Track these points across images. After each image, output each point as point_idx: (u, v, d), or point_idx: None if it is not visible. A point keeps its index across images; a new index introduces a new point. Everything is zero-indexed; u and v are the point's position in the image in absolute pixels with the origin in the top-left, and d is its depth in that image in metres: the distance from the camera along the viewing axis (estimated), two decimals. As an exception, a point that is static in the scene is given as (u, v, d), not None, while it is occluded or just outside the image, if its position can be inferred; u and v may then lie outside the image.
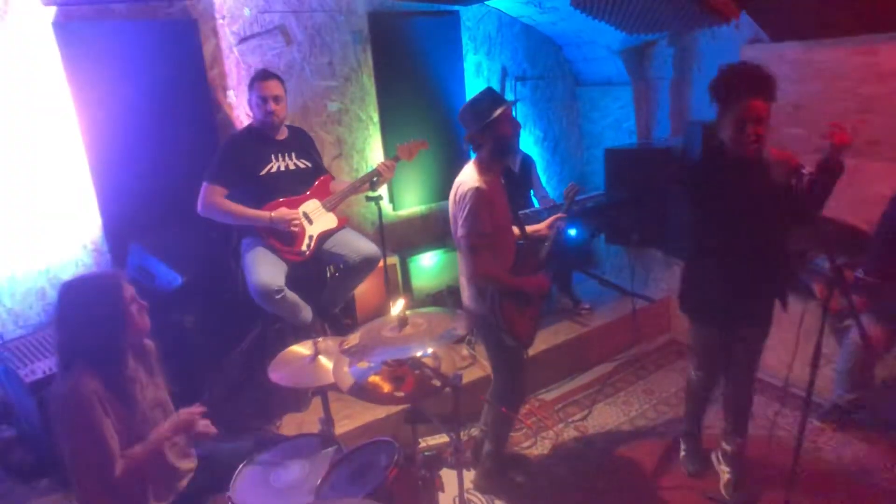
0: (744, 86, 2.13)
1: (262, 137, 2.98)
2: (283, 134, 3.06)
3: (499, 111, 2.28)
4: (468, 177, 2.34)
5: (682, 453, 2.86)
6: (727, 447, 2.70)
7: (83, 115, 2.90)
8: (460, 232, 2.31)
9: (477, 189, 2.26)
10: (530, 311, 2.52)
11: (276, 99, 2.91)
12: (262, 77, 2.91)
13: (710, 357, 2.60)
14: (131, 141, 2.98)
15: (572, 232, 3.86)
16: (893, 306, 2.72)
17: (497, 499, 2.69)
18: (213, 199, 2.83)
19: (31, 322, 2.94)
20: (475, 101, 2.35)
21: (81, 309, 1.82)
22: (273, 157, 2.98)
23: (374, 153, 3.99)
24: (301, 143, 3.14)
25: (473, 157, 2.42)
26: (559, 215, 2.68)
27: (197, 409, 2.03)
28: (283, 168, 3.01)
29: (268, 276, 2.76)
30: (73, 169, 2.96)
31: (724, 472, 2.69)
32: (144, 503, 1.91)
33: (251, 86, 2.92)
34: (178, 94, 3.06)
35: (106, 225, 3.06)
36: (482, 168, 2.37)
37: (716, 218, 2.30)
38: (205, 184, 2.85)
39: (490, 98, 2.34)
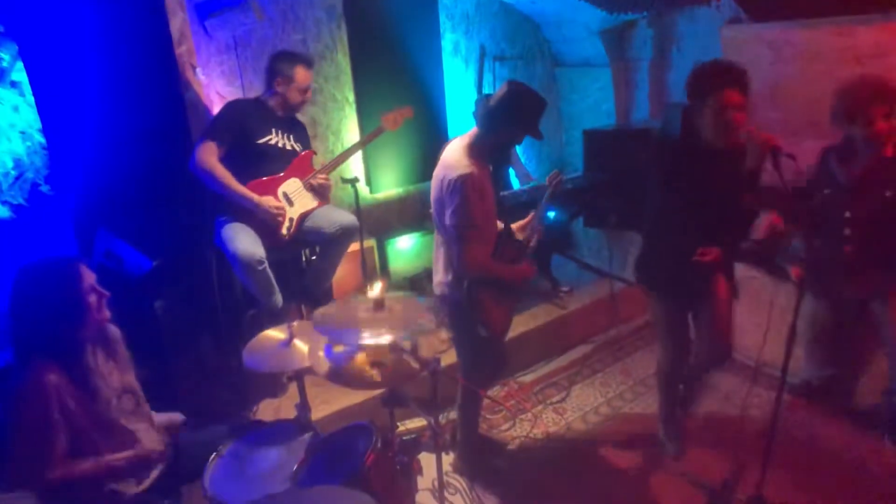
0: (718, 78, 2.22)
1: (267, 110, 2.97)
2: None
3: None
4: (458, 161, 2.19)
5: (661, 434, 2.89)
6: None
7: (41, 93, 2.76)
8: (450, 222, 2.21)
9: (470, 175, 2.14)
10: (508, 301, 2.47)
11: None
12: (308, 65, 2.93)
13: (673, 331, 2.64)
14: (95, 121, 2.84)
15: (551, 214, 3.85)
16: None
17: (475, 481, 2.69)
18: (207, 158, 2.76)
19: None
20: (524, 101, 2.19)
21: (37, 296, 1.73)
22: (273, 130, 2.96)
23: (349, 134, 3.90)
24: (298, 128, 3.15)
25: (464, 137, 2.25)
26: (533, 216, 2.56)
27: (156, 448, 1.94)
28: (279, 144, 2.98)
29: (250, 246, 2.73)
30: (32, 150, 2.83)
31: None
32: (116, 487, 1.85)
33: (292, 69, 2.87)
34: (144, 71, 2.92)
35: (71, 209, 2.95)
36: (476, 152, 2.22)
37: (683, 199, 2.33)
38: (201, 139, 2.78)
39: (537, 99, 2.22)
